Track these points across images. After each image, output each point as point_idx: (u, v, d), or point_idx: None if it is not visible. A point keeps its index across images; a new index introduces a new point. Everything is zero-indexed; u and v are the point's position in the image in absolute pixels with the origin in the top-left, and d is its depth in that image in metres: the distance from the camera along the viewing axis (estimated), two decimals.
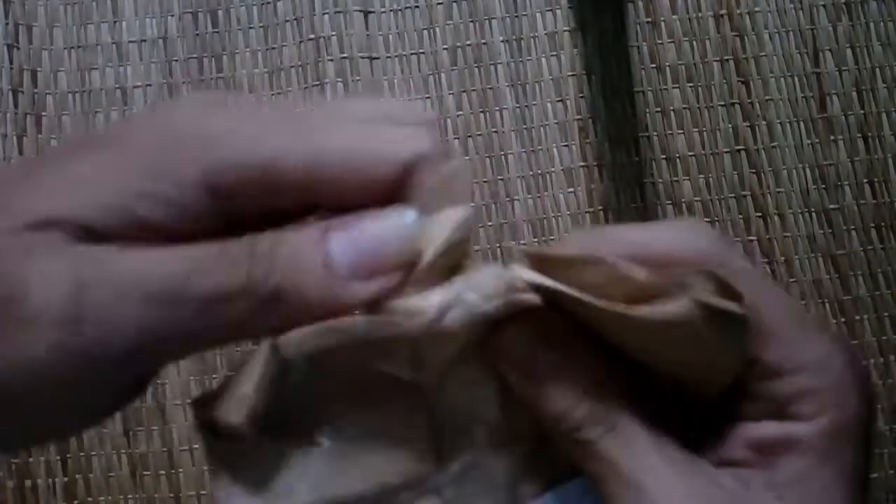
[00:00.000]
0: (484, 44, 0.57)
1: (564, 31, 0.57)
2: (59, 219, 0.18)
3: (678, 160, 0.52)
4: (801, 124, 0.53)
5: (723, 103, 0.53)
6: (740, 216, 0.52)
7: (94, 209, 0.18)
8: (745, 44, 0.53)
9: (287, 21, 0.56)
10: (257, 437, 0.19)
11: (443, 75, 0.56)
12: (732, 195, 0.52)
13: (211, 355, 0.55)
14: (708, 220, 0.52)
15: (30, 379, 0.17)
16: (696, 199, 0.52)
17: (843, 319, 0.52)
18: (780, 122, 0.53)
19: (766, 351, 0.20)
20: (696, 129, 0.52)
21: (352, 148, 0.19)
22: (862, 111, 0.53)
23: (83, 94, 0.56)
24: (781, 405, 0.20)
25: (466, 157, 0.56)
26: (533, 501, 0.20)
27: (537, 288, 0.19)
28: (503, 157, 0.56)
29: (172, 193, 0.18)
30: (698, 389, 0.20)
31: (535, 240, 0.55)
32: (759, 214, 0.52)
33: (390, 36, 0.57)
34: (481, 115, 0.56)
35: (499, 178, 0.56)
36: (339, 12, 0.55)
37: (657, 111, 0.52)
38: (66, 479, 0.53)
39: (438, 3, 0.57)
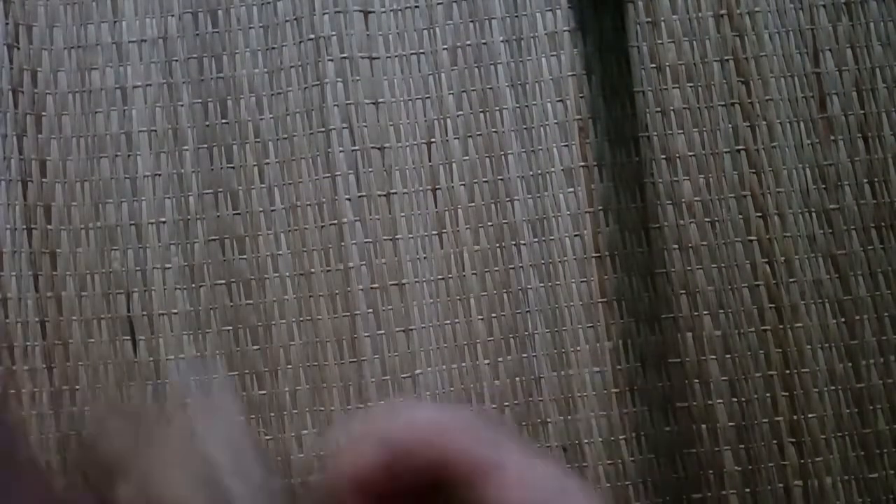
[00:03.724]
0: (484, 44, 0.57)
1: (564, 31, 0.57)
2: None
3: (678, 160, 0.52)
4: (801, 124, 0.53)
5: (723, 103, 0.53)
6: (740, 216, 0.52)
7: None
8: (745, 44, 0.53)
9: (287, 21, 0.56)
10: None
11: (443, 75, 0.56)
12: (732, 195, 0.52)
13: (211, 355, 0.55)
14: (708, 220, 0.52)
15: None
16: (696, 199, 0.52)
17: (843, 319, 0.51)
18: (780, 122, 0.53)
19: None
20: (696, 129, 0.52)
21: None
22: (862, 111, 0.53)
23: (83, 94, 0.56)
24: None
25: (465, 158, 0.56)
26: None
27: None
28: (503, 157, 0.56)
29: None
30: None
31: (535, 240, 0.55)
32: (759, 214, 0.52)
33: (390, 36, 0.57)
34: (481, 115, 0.56)
35: (499, 178, 0.56)
36: (339, 12, 0.55)
37: (657, 111, 0.52)
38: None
39: (438, 3, 0.57)
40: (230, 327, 0.55)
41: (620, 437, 0.54)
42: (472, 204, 0.56)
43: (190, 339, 0.55)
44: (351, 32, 0.56)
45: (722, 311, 0.51)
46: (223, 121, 0.56)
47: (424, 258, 0.56)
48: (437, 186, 0.56)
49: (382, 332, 0.54)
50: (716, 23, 0.53)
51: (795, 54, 0.53)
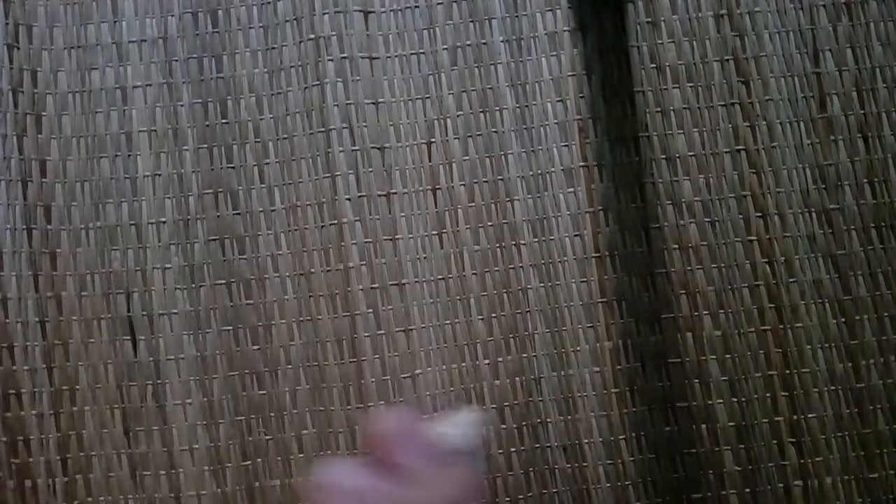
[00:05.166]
0: (484, 44, 0.57)
1: (564, 31, 0.57)
2: None
3: (678, 160, 0.52)
4: (801, 124, 0.53)
5: (723, 103, 0.53)
6: (740, 216, 0.52)
7: None
8: (745, 44, 0.53)
9: (287, 21, 0.56)
10: None
11: (443, 75, 0.56)
12: (732, 195, 0.52)
13: (211, 356, 0.55)
14: (708, 220, 0.52)
15: None
16: (696, 199, 0.52)
17: (843, 319, 0.52)
18: (780, 122, 0.53)
19: None
20: (696, 129, 0.52)
21: None
22: (862, 111, 0.53)
23: (83, 94, 0.56)
24: None
25: (466, 158, 0.56)
26: None
27: None
28: (503, 157, 0.56)
29: None
30: None
31: (535, 240, 0.55)
32: (759, 214, 0.52)
33: (390, 36, 0.57)
34: (481, 115, 0.56)
35: (499, 178, 0.56)
36: (339, 12, 0.55)
37: (657, 111, 0.52)
38: (66, 479, 0.53)
39: (438, 3, 0.57)
40: (230, 327, 0.55)
41: (620, 437, 0.54)
42: (472, 204, 0.56)
43: (190, 339, 0.55)
44: (351, 32, 0.56)
45: (722, 311, 0.51)
46: (223, 121, 0.56)
47: (424, 258, 0.56)
48: (437, 186, 0.56)
49: (382, 332, 0.54)
50: (716, 23, 0.53)
51: (795, 54, 0.53)
